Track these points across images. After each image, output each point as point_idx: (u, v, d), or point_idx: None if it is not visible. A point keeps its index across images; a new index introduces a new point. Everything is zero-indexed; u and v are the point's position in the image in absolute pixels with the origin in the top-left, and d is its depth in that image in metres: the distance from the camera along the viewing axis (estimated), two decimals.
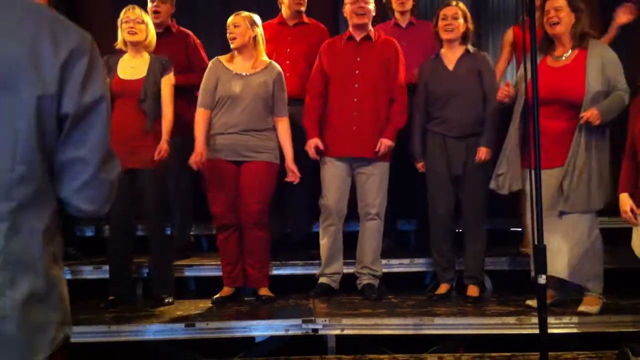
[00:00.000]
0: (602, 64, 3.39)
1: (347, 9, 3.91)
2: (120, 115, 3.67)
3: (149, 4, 4.28)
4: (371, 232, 3.94)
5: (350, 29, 3.95)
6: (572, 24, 3.44)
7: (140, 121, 3.74)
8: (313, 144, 3.89)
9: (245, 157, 3.80)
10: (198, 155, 3.76)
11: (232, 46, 3.84)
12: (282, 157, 3.91)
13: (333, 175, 3.92)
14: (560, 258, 3.42)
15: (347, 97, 3.87)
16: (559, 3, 3.43)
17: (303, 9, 4.46)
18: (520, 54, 4.22)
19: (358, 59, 3.89)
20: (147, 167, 3.72)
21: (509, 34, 4.33)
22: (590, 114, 3.28)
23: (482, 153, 3.76)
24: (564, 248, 3.43)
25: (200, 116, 3.85)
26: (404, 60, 3.96)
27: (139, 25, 3.75)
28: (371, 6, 3.90)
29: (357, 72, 3.87)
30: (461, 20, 3.82)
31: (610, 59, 3.44)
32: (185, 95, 4.22)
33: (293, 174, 3.85)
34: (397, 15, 4.51)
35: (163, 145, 3.72)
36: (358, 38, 3.92)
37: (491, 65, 3.93)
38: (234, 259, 3.89)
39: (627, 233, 3.27)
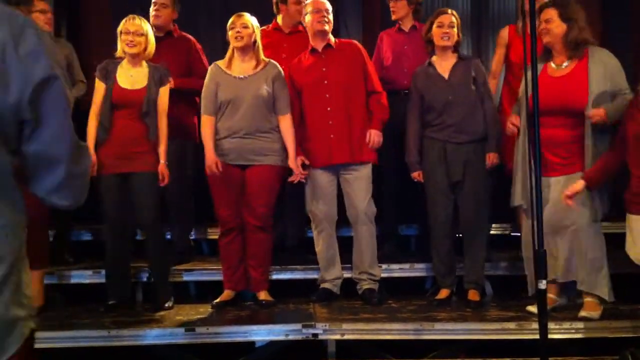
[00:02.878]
0: (604, 70, 3.39)
1: (308, 19, 3.92)
2: (119, 124, 3.71)
3: (151, 7, 4.28)
4: (365, 237, 3.93)
5: (311, 40, 3.96)
6: (563, 34, 3.44)
7: (139, 131, 3.74)
8: (299, 161, 3.89)
9: (250, 161, 3.81)
10: (213, 163, 3.77)
11: (236, 45, 3.83)
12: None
13: (319, 185, 3.94)
14: (578, 264, 3.42)
15: (320, 108, 3.90)
16: (549, 15, 3.45)
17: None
18: (512, 55, 4.22)
19: (324, 69, 3.91)
20: (142, 170, 3.72)
21: (504, 34, 4.32)
22: (597, 112, 3.28)
23: (493, 158, 3.81)
24: (577, 255, 3.43)
25: (206, 123, 3.87)
26: (369, 59, 4.03)
27: (138, 38, 3.74)
28: (331, 17, 3.92)
29: (325, 82, 3.89)
30: (456, 29, 3.85)
31: (613, 64, 3.44)
32: (185, 99, 4.23)
33: (295, 174, 3.85)
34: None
35: (165, 171, 3.75)
36: (320, 48, 3.94)
37: (483, 69, 3.97)
38: (236, 262, 3.88)
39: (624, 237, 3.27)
